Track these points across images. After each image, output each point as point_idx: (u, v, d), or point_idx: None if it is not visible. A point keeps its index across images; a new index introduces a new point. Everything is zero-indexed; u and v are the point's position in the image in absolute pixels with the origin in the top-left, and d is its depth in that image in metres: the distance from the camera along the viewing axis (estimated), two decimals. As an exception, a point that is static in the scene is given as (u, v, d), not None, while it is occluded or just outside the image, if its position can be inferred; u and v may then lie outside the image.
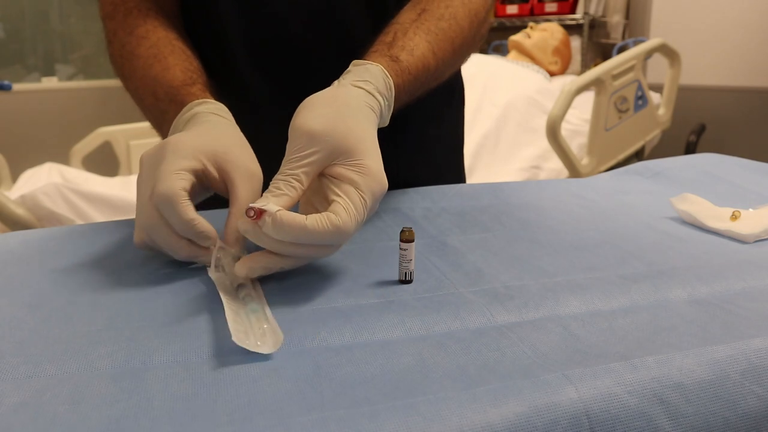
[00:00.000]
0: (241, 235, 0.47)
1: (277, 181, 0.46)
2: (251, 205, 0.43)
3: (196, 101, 0.57)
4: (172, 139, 0.50)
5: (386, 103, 0.54)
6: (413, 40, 0.59)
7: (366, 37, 0.61)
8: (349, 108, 0.49)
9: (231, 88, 0.73)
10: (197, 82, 0.61)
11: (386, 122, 0.56)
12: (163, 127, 0.61)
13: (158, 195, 0.46)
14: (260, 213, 0.43)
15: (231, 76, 0.72)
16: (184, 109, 0.57)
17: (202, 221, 0.47)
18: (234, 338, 0.37)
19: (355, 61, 0.56)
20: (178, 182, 0.47)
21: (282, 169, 0.46)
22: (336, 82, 0.54)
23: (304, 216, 0.43)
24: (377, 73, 0.54)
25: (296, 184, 0.45)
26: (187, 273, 0.50)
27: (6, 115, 2.77)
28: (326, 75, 0.56)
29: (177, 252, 0.49)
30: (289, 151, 0.47)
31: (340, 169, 0.46)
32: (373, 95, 0.52)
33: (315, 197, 0.49)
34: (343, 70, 0.56)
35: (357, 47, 0.60)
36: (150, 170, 0.49)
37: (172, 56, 0.63)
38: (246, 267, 0.45)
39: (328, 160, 0.46)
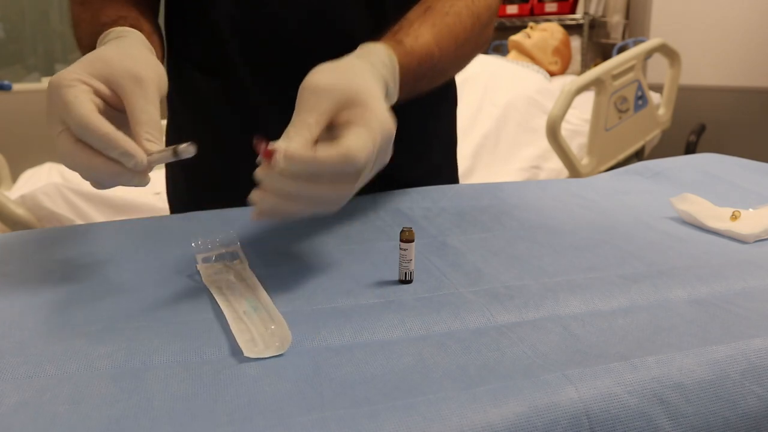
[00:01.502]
0: (153, 151, 0.47)
1: (287, 130, 0.45)
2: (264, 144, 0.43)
3: (102, 35, 0.57)
4: (53, 78, 0.48)
5: (391, 75, 0.55)
6: (418, 30, 0.61)
7: (365, 38, 0.61)
8: (354, 69, 0.50)
9: (229, 89, 0.73)
10: (117, 24, 0.59)
11: (393, 98, 0.56)
12: None
13: (73, 124, 0.45)
14: (270, 153, 0.42)
15: (228, 78, 0.72)
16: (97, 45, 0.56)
17: (121, 137, 0.46)
18: (245, 352, 0.37)
19: (360, 45, 0.56)
20: (84, 105, 0.46)
21: (291, 121, 0.46)
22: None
23: (314, 149, 0.43)
24: (380, 49, 0.55)
25: (305, 132, 0.45)
26: (187, 273, 0.50)
27: (6, 115, 2.76)
28: None
29: (99, 172, 0.46)
30: (298, 108, 0.47)
31: (347, 115, 0.46)
32: (376, 66, 0.53)
33: None
34: None
35: (352, 48, 0.60)
36: (52, 109, 0.47)
37: (109, 8, 0.62)
38: (255, 212, 0.45)
39: (336, 109, 0.47)
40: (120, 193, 1.85)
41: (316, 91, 0.47)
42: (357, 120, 0.46)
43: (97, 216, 1.85)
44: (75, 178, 1.99)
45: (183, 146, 0.46)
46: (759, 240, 0.57)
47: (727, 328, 0.40)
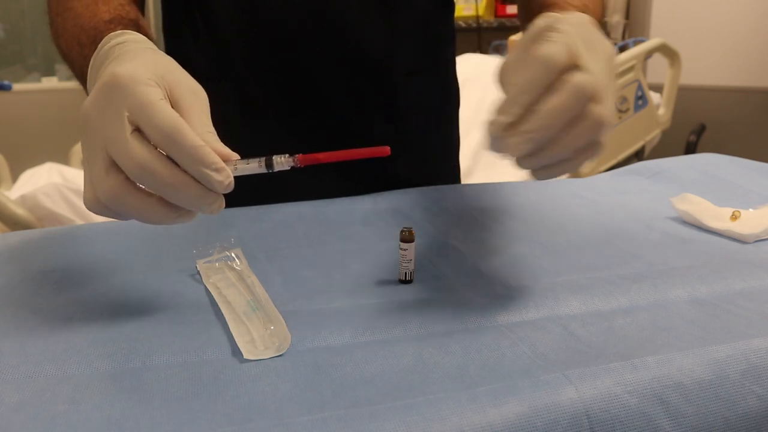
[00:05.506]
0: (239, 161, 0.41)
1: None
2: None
3: (113, 33, 0.49)
4: (121, 72, 0.39)
5: None
6: None
7: (374, 39, 0.60)
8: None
9: (230, 93, 0.73)
10: (122, 22, 0.53)
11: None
12: (87, 76, 0.51)
13: (156, 130, 0.37)
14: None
15: (229, 82, 0.72)
16: (100, 45, 0.49)
17: (211, 150, 0.38)
18: (245, 354, 0.37)
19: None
20: (170, 110, 0.38)
21: None
22: None
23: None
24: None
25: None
26: (187, 273, 0.50)
27: (6, 115, 2.76)
28: (324, 78, 0.55)
29: (183, 191, 0.38)
30: None
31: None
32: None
33: None
34: (342, 73, 0.55)
35: (356, 48, 0.60)
36: (115, 106, 0.38)
37: (104, 4, 0.57)
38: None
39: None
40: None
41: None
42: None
43: (97, 216, 1.85)
44: (75, 178, 1.99)
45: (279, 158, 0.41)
46: (759, 240, 0.57)
47: (727, 328, 0.40)
